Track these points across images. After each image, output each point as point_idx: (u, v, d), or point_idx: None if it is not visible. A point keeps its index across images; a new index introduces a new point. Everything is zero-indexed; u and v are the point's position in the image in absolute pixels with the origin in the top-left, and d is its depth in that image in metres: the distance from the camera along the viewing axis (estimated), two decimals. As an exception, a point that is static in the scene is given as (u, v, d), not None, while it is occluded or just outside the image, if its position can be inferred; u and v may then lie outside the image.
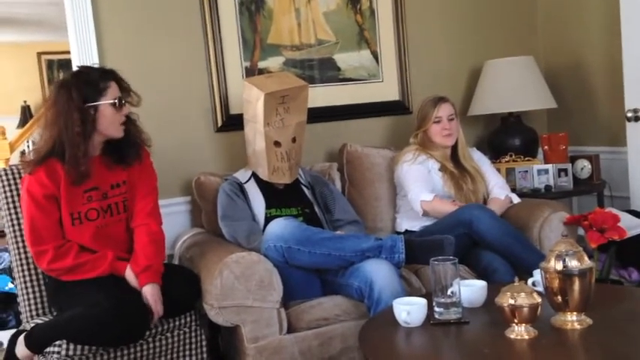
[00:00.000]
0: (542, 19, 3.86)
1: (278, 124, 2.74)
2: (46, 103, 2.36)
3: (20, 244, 2.47)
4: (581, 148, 3.63)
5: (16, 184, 2.50)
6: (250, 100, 2.76)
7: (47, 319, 2.38)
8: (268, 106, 2.69)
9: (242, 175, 2.88)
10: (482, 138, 3.70)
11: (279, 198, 2.82)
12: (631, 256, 2.90)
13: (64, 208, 2.31)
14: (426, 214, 2.93)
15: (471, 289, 2.07)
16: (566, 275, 1.79)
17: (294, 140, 2.80)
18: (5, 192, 2.50)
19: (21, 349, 2.25)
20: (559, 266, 1.80)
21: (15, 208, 2.48)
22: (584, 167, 3.44)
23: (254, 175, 2.85)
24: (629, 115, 3.16)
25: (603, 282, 2.72)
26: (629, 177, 3.25)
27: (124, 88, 2.40)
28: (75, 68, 2.51)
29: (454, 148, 3.12)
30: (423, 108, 3.11)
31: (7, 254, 3.78)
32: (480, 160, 3.16)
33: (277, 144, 2.76)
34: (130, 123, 2.43)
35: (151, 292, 2.29)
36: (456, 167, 3.06)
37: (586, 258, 1.82)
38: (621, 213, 2.81)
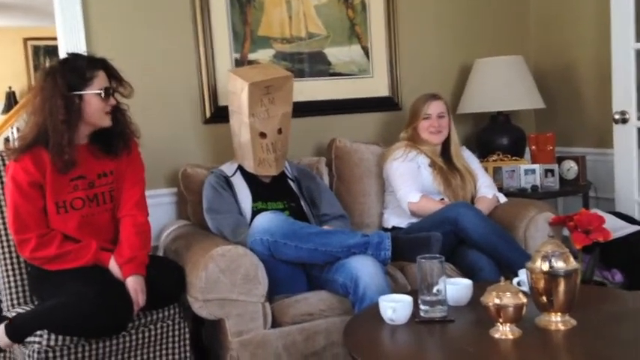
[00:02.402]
0: (534, 20, 3.87)
1: (263, 114, 2.72)
2: (32, 89, 2.33)
3: (2, 232, 2.44)
4: (568, 149, 3.64)
5: (-1, 171, 2.47)
6: (235, 91, 2.74)
7: (29, 309, 2.35)
8: (253, 96, 2.67)
9: (228, 168, 2.86)
10: (470, 136, 3.71)
11: (266, 191, 2.81)
12: (615, 258, 2.91)
13: (49, 197, 2.29)
14: (414, 214, 2.94)
15: (456, 288, 2.07)
16: (551, 276, 1.80)
17: (279, 131, 2.78)
18: (-12, 179, 2.46)
19: (1, 337, 2.22)
20: (545, 267, 1.80)
21: (-2, 195, 2.45)
22: (570, 168, 3.45)
23: (240, 169, 2.84)
24: (617, 117, 3.17)
25: (587, 283, 2.74)
26: (614, 179, 3.27)
27: (115, 78, 2.37)
28: (63, 55, 2.48)
29: (446, 146, 3.12)
30: (414, 104, 3.13)
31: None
32: (468, 159, 3.17)
33: (263, 135, 2.74)
34: (119, 113, 2.40)
35: (133, 284, 2.27)
36: (445, 163, 3.06)
37: (572, 259, 1.83)
38: (606, 215, 2.83)
